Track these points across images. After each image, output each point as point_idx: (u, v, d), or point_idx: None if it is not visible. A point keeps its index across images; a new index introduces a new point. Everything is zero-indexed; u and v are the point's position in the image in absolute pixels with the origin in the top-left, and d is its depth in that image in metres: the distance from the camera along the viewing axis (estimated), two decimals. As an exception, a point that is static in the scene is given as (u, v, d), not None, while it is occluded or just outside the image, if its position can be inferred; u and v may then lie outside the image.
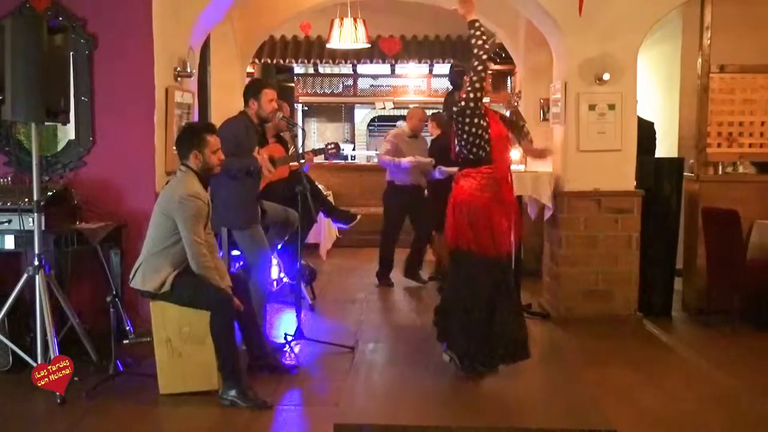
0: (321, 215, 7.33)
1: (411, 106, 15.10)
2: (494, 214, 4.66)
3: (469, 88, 4.62)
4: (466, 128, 4.63)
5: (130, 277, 4.50)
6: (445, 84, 14.05)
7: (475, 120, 4.62)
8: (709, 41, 6.36)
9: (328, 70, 13.66)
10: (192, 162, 4.43)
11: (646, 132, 6.93)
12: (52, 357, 4.39)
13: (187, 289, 4.36)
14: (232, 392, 4.25)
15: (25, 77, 4.31)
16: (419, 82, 14.08)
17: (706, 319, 6.20)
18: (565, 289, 6.23)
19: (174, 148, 4.73)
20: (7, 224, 4.83)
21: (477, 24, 4.70)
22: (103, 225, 5.22)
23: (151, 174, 5.58)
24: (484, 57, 4.64)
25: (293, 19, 9.47)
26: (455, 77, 4.88)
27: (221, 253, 5.08)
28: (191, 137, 4.48)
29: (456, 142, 4.75)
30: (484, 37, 4.70)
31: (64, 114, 4.63)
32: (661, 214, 6.44)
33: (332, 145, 6.47)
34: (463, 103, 4.64)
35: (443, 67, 12.78)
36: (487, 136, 4.64)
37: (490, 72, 4.69)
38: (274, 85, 5.53)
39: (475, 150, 4.66)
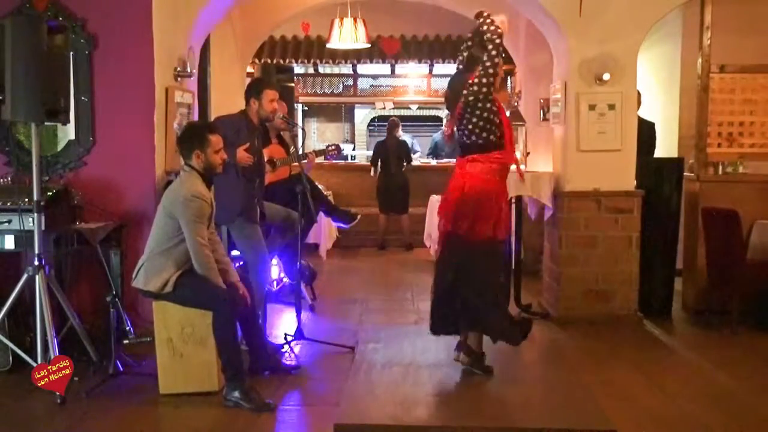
0: (321, 215, 7.33)
1: (411, 106, 15.18)
2: (501, 199, 4.61)
3: (482, 72, 4.48)
4: (478, 112, 4.50)
5: (133, 276, 4.50)
6: (445, 84, 14.03)
7: (488, 105, 4.51)
8: (709, 41, 6.36)
9: (328, 70, 13.65)
10: (194, 162, 4.42)
11: (646, 132, 6.93)
12: (52, 357, 4.39)
13: (189, 290, 4.36)
14: (236, 393, 4.25)
15: (25, 77, 4.31)
16: (419, 82, 14.07)
17: (706, 319, 6.20)
18: (565, 289, 6.23)
19: (176, 147, 4.73)
20: (7, 224, 4.82)
21: (485, 14, 4.61)
22: (103, 225, 5.22)
23: (151, 174, 5.58)
24: (499, 42, 4.50)
25: (293, 19, 9.47)
26: (469, 60, 4.67)
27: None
28: (193, 137, 4.47)
29: (461, 125, 4.58)
30: (496, 28, 4.53)
31: (64, 114, 4.63)
32: (661, 214, 6.43)
33: (333, 147, 6.46)
34: (475, 87, 4.48)
35: (443, 67, 12.78)
36: (498, 121, 4.54)
37: (497, 61, 4.61)
38: (276, 86, 5.52)
39: (485, 135, 4.54)
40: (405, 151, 10.41)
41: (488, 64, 4.49)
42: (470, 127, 4.53)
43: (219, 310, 4.31)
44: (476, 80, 4.50)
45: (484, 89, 4.49)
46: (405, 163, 10.24)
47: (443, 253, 4.71)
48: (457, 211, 4.55)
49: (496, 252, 4.66)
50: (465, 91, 4.53)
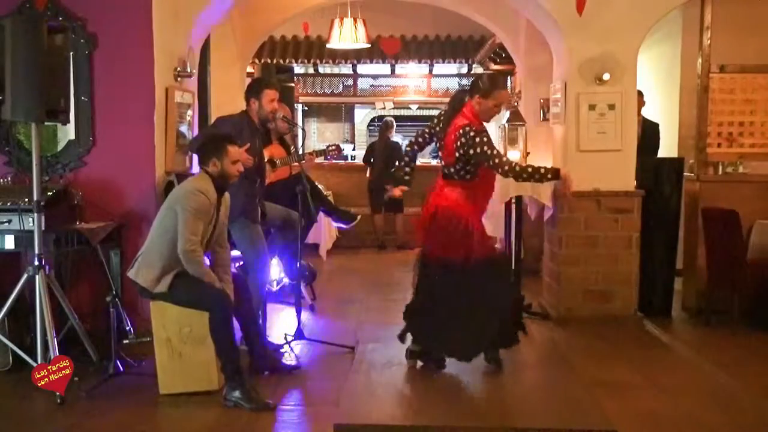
0: (321, 215, 7.33)
1: (411, 106, 15.18)
2: (473, 219, 4.78)
3: (497, 160, 4.69)
4: (465, 159, 4.71)
5: (129, 267, 4.53)
6: (445, 84, 14.08)
7: (473, 161, 4.72)
8: (709, 41, 6.36)
9: (328, 70, 13.66)
10: (210, 168, 4.48)
11: (650, 132, 6.92)
12: (52, 357, 4.38)
13: (184, 291, 4.36)
14: (236, 393, 4.24)
15: (25, 77, 4.31)
16: (419, 82, 14.09)
17: (706, 319, 6.20)
18: (565, 289, 6.23)
19: (195, 154, 4.81)
20: (7, 224, 4.83)
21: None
22: (103, 225, 5.22)
23: (151, 174, 5.58)
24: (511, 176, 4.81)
25: (293, 19, 9.46)
26: (478, 84, 4.83)
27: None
28: (213, 146, 4.54)
29: (451, 156, 4.74)
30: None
31: (64, 114, 4.63)
32: (661, 214, 6.43)
33: (333, 146, 6.46)
34: (475, 149, 4.65)
35: (443, 67, 12.81)
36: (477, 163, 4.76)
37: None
38: (276, 86, 5.52)
39: (464, 174, 4.78)
40: (395, 152, 10.30)
41: (506, 168, 4.74)
42: (456, 165, 4.74)
43: (214, 310, 4.30)
44: (478, 150, 4.64)
45: (488, 160, 4.69)
46: (396, 164, 10.18)
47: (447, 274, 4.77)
48: (429, 232, 4.79)
49: (495, 265, 4.85)
50: (463, 139, 4.65)
